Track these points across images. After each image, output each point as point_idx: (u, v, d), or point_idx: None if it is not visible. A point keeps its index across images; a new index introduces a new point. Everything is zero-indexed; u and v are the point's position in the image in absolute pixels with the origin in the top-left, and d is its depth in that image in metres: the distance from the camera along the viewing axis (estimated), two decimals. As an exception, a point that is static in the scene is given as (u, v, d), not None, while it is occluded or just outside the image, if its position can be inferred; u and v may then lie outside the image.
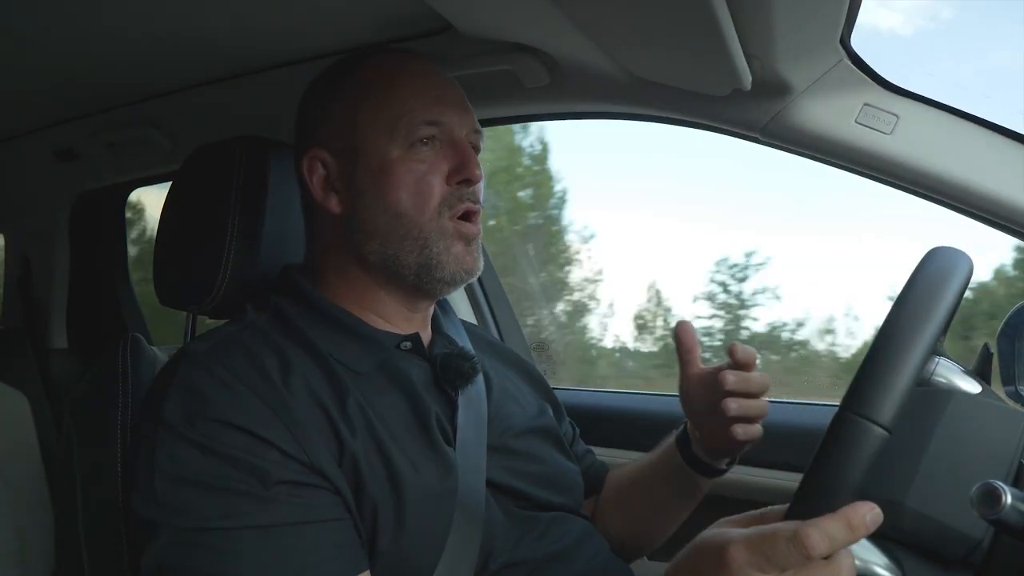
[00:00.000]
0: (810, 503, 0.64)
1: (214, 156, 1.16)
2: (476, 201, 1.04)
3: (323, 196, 1.05)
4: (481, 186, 1.07)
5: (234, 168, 1.12)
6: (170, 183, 1.22)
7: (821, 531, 0.60)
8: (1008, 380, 1.05)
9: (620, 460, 1.41)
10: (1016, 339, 1.05)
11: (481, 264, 1.07)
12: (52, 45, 1.34)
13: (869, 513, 0.61)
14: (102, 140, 1.72)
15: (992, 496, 0.68)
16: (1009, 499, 0.67)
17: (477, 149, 1.08)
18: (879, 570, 0.74)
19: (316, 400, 0.91)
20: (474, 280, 1.15)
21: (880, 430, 0.63)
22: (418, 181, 1.00)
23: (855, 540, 0.61)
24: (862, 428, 0.63)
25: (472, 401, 1.06)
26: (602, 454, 1.38)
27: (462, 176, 1.02)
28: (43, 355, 2.04)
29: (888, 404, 0.63)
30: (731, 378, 1.02)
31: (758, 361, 1.05)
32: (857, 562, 0.65)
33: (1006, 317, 1.05)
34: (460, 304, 1.96)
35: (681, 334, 1.10)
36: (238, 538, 0.81)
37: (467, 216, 1.04)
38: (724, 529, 0.67)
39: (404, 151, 1.01)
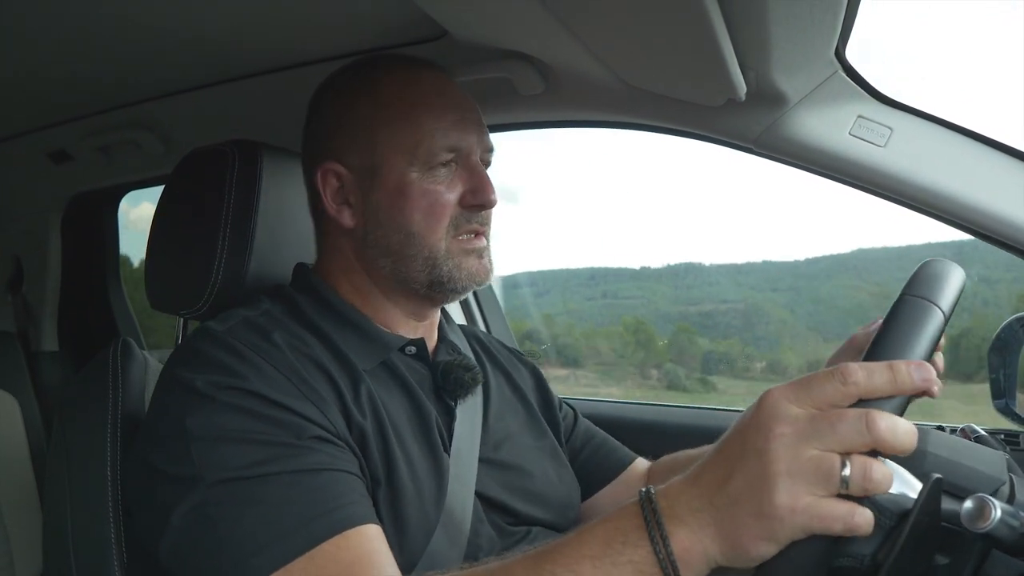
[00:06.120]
0: None
1: (207, 159, 1.15)
2: (485, 223, 1.06)
3: (336, 209, 1.06)
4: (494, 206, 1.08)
5: (227, 171, 1.11)
6: (162, 186, 1.22)
7: (863, 366, 0.60)
8: (998, 394, 1.06)
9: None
10: (1006, 353, 1.05)
11: (493, 270, 1.08)
12: (46, 48, 1.33)
13: (916, 369, 0.60)
14: (95, 142, 1.72)
15: (982, 510, 0.69)
16: (998, 513, 0.68)
17: (488, 166, 1.09)
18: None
19: (330, 381, 0.93)
20: None
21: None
22: (432, 203, 1.02)
23: (897, 391, 0.60)
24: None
25: (469, 412, 1.07)
26: None
27: (478, 200, 1.03)
28: (33, 358, 2.03)
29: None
30: None
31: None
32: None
33: (997, 331, 1.06)
34: (451, 306, 1.95)
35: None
36: (273, 482, 0.82)
37: (473, 233, 1.05)
38: None
39: (422, 173, 1.02)
